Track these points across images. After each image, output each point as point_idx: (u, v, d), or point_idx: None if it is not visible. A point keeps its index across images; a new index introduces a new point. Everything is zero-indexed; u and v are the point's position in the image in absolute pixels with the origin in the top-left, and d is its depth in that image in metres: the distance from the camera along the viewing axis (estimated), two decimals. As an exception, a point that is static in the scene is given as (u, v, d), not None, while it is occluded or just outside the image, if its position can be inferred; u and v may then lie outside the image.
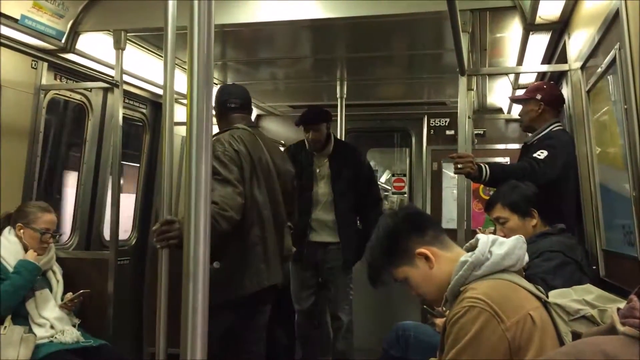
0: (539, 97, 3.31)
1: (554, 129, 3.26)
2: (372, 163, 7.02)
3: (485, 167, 2.98)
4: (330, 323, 4.34)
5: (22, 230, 3.14)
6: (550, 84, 3.64)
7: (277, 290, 3.15)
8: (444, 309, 1.85)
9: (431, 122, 5.86)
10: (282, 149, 6.05)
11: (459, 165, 2.98)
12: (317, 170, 4.16)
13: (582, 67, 2.88)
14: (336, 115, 4.76)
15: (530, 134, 3.43)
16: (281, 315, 4.83)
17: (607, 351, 0.83)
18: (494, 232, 2.89)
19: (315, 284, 4.25)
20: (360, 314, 4.83)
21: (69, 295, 3.18)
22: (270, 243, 2.95)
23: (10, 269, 3.01)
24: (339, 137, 4.60)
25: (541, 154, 3.02)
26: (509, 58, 4.05)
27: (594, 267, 2.77)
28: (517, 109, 5.37)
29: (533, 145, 3.23)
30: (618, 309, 0.92)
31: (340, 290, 4.16)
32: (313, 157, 4.18)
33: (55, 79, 3.69)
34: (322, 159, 4.18)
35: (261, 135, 3.16)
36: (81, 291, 3.19)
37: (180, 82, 2.54)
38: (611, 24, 2.20)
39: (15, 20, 3.05)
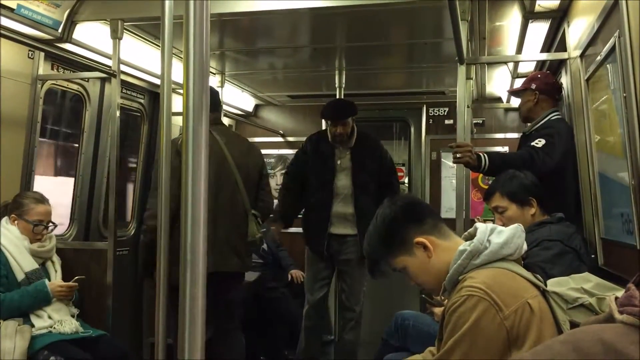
0: (533, 86, 3.34)
1: (552, 118, 3.27)
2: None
3: (484, 156, 2.99)
4: (339, 314, 4.37)
5: (16, 221, 3.14)
6: (544, 73, 3.66)
7: (230, 278, 3.42)
8: (443, 298, 1.85)
9: (430, 111, 5.85)
10: (281, 139, 6.13)
11: (457, 155, 2.98)
12: (339, 162, 4.13)
13: (582, 56, 2.87)
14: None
15: (529, 124, 3.44)
16: (291, 303, 4.86)
17: (605, 339, 0.83)
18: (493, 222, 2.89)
19: (328, 275, 4.25)
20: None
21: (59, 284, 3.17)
22: (220, 232, 3.22)
23: (11, 259, 3.01)
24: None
25: (539, 143, 3.03)
26: (508, 47, 4.04)
27: (593, 256, 2.78)
28: (516, 99, 5.37)
29: (531, 134, 3.24)
30: (616, 298, 0.92)
31: (356, 282, 4.17)
32: (334, 149, 4.15)
33: (52, 69, 3.67)
34: (344, 151, 4.15)
35: (223, 131, 3.54)
36: (76, 278, 3.20)
37: (178, 71, 2.53)
38: (611, 11, 2.19)
39: (12, 10, 3.02)
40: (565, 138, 3.10)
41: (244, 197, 3.41)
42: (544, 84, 3.36)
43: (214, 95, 3.66)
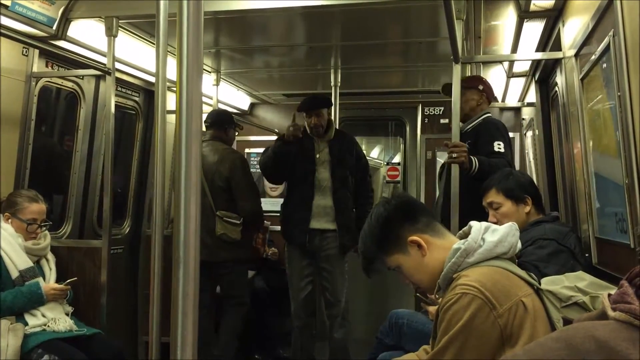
0: (481, 87, 3.50)
1: (486, 117, 3.57)
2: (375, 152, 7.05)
3: (475, 159, 3.12)
4: (325, 312, 4.37)
5: (9, 220, 3.13)
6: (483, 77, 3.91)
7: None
8: (437, 296, 1.85)
9: (425, 110, 5.85)
10: (276, 137, 6.11)
11: (453, 155, 3.03)
12: (317, 156, 4.20)
13: (576, 55, 2.87)
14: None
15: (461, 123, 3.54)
16: (286, 302, 4.87)
17: (598, 336, 0.83)
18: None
19: (312, 272, 4.26)
20: (354, 304, 4.83)
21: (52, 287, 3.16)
22: None
23: (5, 257, 3.00)
24: (332, 126, 4.59)
25: (500, 146, 3.31)
26: (503, 46, 4.04)
27: (587, 255, 2.79)
28: (512, 97, 5.38)
29: (467, 133, 3.35)
30: (609, 295, 0.93)
31: (337, 278, 4.17)
32: (314, 142, 4.23)
33: (47, 66, 3.65)
34: (323, 145, 4.23)
35: (211, 144, 4.23)
36: (68, 280, 3.19)
37: (173, 69, 2.52)
38: (605, 10, 2.19)
39: (6, 7, 3.01)
40: (509, 137, 3.47)
41: (210, 199, 4.09)
42: (488, 87, 3.60)
43: (218, 115, 4.45)
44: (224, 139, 4.33)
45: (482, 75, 4.81)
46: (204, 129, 4.90)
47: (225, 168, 4.12)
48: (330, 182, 4.16)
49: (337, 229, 4.12)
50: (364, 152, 4.64)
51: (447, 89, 3.80)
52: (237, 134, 4.64)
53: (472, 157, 3.10)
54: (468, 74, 4.32)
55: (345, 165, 4.20)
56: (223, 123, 4.37)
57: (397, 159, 6.28)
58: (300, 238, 4.15)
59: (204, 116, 4.93)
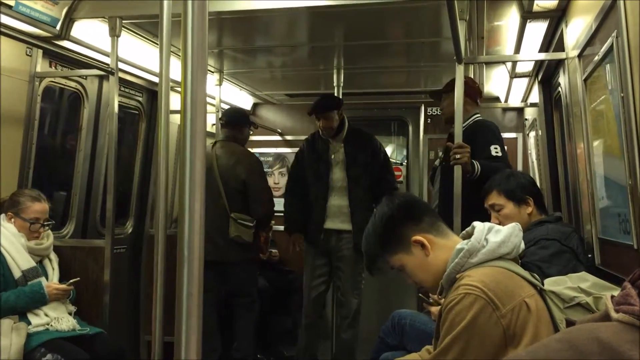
0: None
1: (477, 119, 3.58)
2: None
3: (476, 164, 3.15)
4: (336, 312, 4.39)
5: (12, 219, 3.14)
6: (468, 77, 3.84)
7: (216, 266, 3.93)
8: (440, 296, 1.85)
9: (428, 110, 5.85)
10: (279, 137, 6.13)
11: (457, 156, 3.03)
12: (332, 157, 4.23)
13: (580, 56, 2.87)
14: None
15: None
16: (288, 301, 4.88)
17: (601, 337, 0.83)
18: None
19: (327, 272, 4.28)
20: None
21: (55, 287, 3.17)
22: (208, 227, 3.73)
23: (7, 257, 3.01)
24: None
25: (497, 150, 3.35)
26: (506, 46, 4.03)
27: (590, 256, 2.78)
28: (514, 98, 5.38)
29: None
30: (612, 296, 0.93)
31: (350, 278, 4.18)
32: (329, 144, 4.25)
33: (50, 66, 3.66)
34: (337, 146, 4.26)
35: (224, 145, 4.21)
36: (71, 280, 3.19)
37: (177, 70, 2.54)
38: (609, 11, 2.19)
39: (10, 7, 3.01)
40: (501, 138, 3.49)
41: (225, 201, 4.07)
42: (469, 88, 3.54)
43: (234, 113, 4.47)
44: (238, 139, 4.30)
45: (484, 75, 4.82)
46: (210, 129, 4.91)
47: (242, 171, 4.11)
48: (345, 182, 4.18)
49: (352, 229, 4.12)
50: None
51: (435, 94, 3.86)
52: (251, 132, 4.61)
53: (473, 161, 3.11)
54: (471, 74, 4.32)
55: (359, 164, 4.20)
56: (239, 121, 4.34)
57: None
58: (315, 237, 4.19)
59: (211, 116, 4.96)
